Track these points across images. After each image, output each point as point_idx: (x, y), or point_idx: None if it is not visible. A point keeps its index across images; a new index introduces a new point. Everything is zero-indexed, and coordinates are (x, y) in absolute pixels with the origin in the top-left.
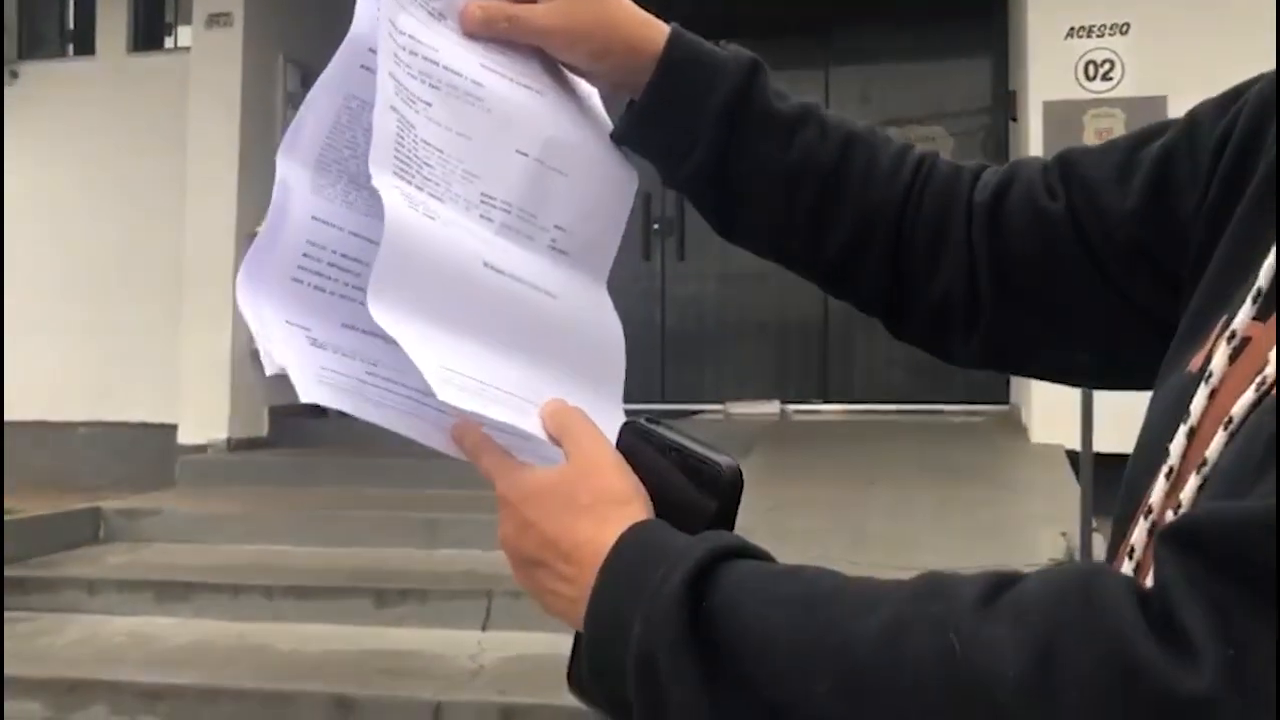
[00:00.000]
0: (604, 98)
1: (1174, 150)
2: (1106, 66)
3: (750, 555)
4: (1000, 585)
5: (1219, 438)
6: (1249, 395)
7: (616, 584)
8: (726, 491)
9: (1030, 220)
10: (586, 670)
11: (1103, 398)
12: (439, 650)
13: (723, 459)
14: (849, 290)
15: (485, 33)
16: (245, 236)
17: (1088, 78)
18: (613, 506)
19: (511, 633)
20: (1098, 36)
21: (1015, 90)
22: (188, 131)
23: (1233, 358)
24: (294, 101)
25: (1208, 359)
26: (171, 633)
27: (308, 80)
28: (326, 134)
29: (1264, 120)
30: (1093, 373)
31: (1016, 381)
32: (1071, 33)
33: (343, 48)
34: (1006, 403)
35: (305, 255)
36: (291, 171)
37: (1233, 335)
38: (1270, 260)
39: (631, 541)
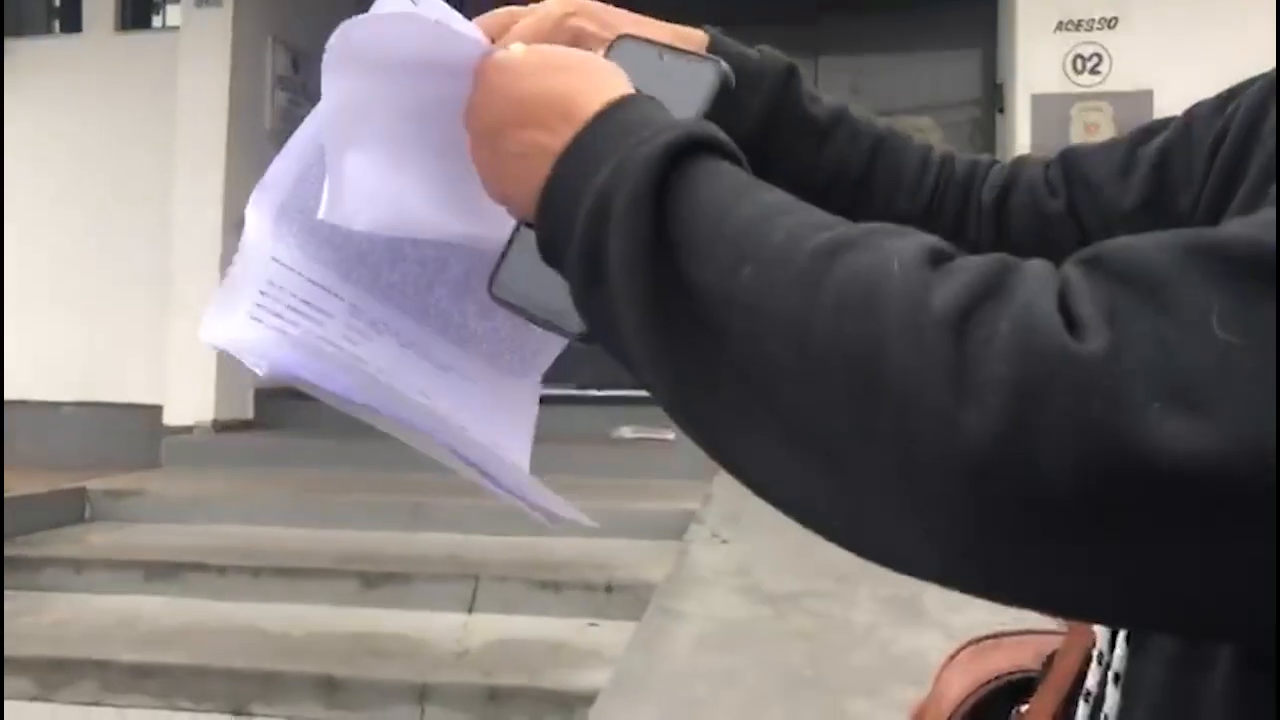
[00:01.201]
0: None
1: (1171, 149)
2: (1094, 60)
3: (738, 160)
4: (950, 251)
5: None
6: None
7: (601, 132)
8: (712, 94)
9: (1032, 219)
10: (542, 208)
11: None
12: (424, 633)
13: (714, 60)
14: None
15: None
16: (233, 219)
17: (1076, 71)
18: (599, 69)
19: (497, 616)
20: (1086, 30)
21: (1004, 82)
22: (176, 112)
23: None
24: (283, 84)
25: None
26: (159, 612)
27: (297, 62)
28: (294, 182)
29: (1258, 121)
30: None
31: None
32: (1060, 26)
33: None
34: None
35: (263, 294)
36: (257, 211)
37: None
38: None
39: (625, 102)
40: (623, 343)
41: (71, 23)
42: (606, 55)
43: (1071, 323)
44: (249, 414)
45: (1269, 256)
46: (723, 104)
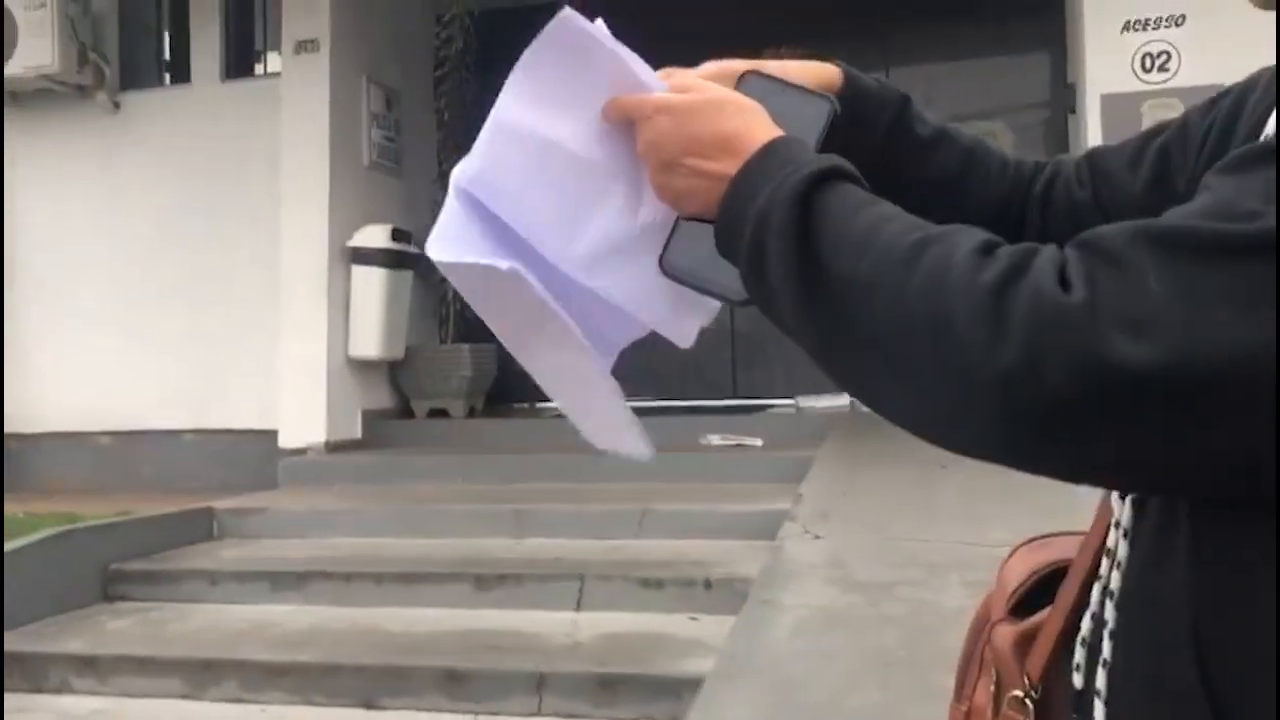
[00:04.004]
0: None
1: (1170, 144)
2: (1163, 58)
3: (860, 183)
4: (996, 242)
5: None
6: None
7: (762, 166)
8: (827, 123)
9: (1066, 205)
10: (720, 219)
11: None
12: (537, 629)
13: (827, 97)
14: None
15: None
16: (336, 249)
17: (1145, 69)
18: (753, 115)
19: (604, 613)
20: (1153, 29)
21: (1074, 83)
22: (280, 150)
23: None
24: (378, 120)
25: None
26: (288, 618)
27: (390, 100)
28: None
29: (1234, 120)
30: None
31: None
32: (1127, 26)
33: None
34: None
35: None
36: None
37: None
38: None
39: (779, 143)
40: (780, 311)
41: (181, 75)
42: (737, 88)
43: (1066, 285)
44: (358, 434)
45: (1177, 235)
46: (853, 126)
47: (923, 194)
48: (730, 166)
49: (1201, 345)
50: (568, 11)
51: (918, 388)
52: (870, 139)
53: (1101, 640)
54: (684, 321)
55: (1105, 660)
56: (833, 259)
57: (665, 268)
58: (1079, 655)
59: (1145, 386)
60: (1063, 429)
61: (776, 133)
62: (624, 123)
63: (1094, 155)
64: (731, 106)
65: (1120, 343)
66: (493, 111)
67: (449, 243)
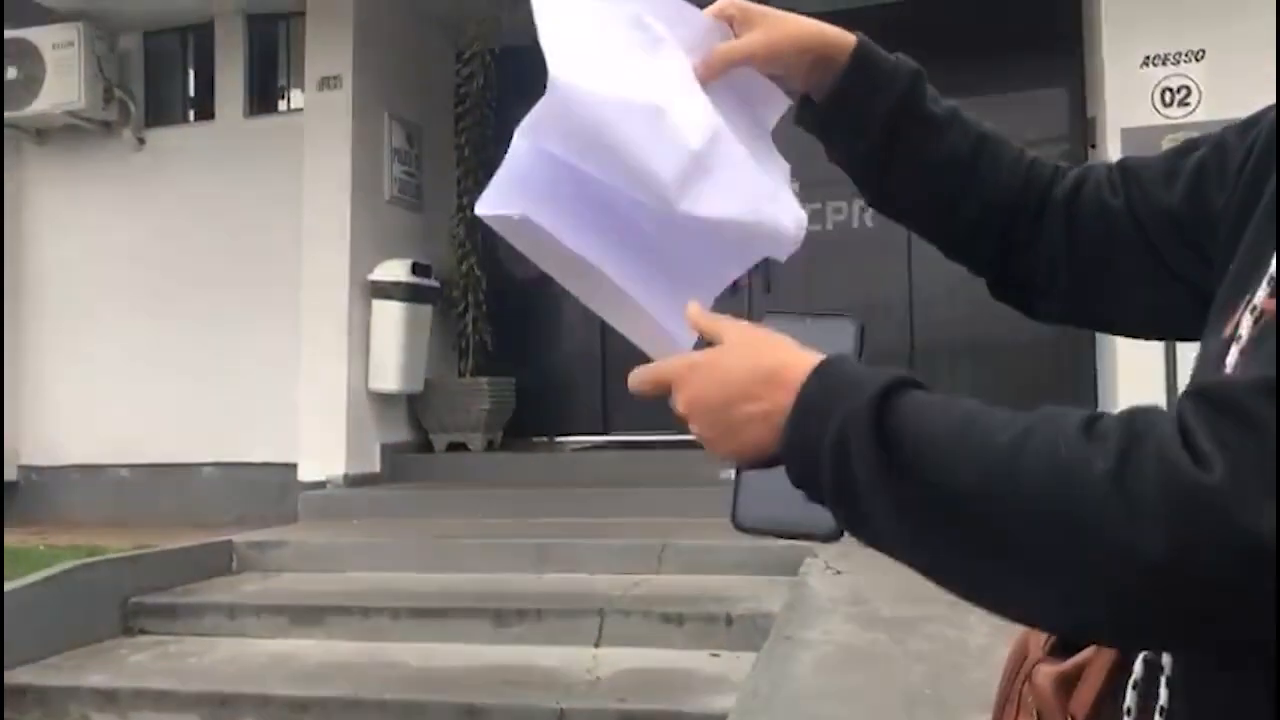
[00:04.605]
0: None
1: (1206, 161)
2: (1183, 92)
3: (925, 388)
4: (1095, 418)
5: None
6: None
7: (822, 390)
8: (859, 339)
9: (1097, 212)
10: (788, 453)
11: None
12: (557, 664)
13: (849, 315)
14: (965, 258)
15: (710, 76)
16: (358, 282)
17: (1164, 104)
18: (787, 345)
19: (624, 649)
20: (1173, 64)
21: (1094, 118)
22: (303, 185)
23: (1254, 325)
24: (399, 156)
25: (1236, 327)
26: (308, 652)
27: (411, 136)
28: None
29: (1273, 142)
30: (1137, 326)
31: (1103, 390)
32: (1147, 61)
33: None
34: None
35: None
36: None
37: (1254, 309)
38: None
39: (829, 365)
40: (878, 538)
41: (205, 111)
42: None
43: (1196, 456)
44: (376, 467)
45: None
46: (864, 94)
47: (934, 174)
48: (783, 399)
49: None
50: None
51: (1053, 592)
52: (880, 108)
53: (1156, 686)
54: (781, 214)
55: (1163, 708)
56: (931, 476)
57: (741, 526)
58: (1130, 699)
59: None
60: (1222, 611)
61: (817, 357)
62: (661, 389)
63: (1126, 165)
64: (764, 342)
65: (1270, 513)
66: (550, 74)
67: (488, 198)
